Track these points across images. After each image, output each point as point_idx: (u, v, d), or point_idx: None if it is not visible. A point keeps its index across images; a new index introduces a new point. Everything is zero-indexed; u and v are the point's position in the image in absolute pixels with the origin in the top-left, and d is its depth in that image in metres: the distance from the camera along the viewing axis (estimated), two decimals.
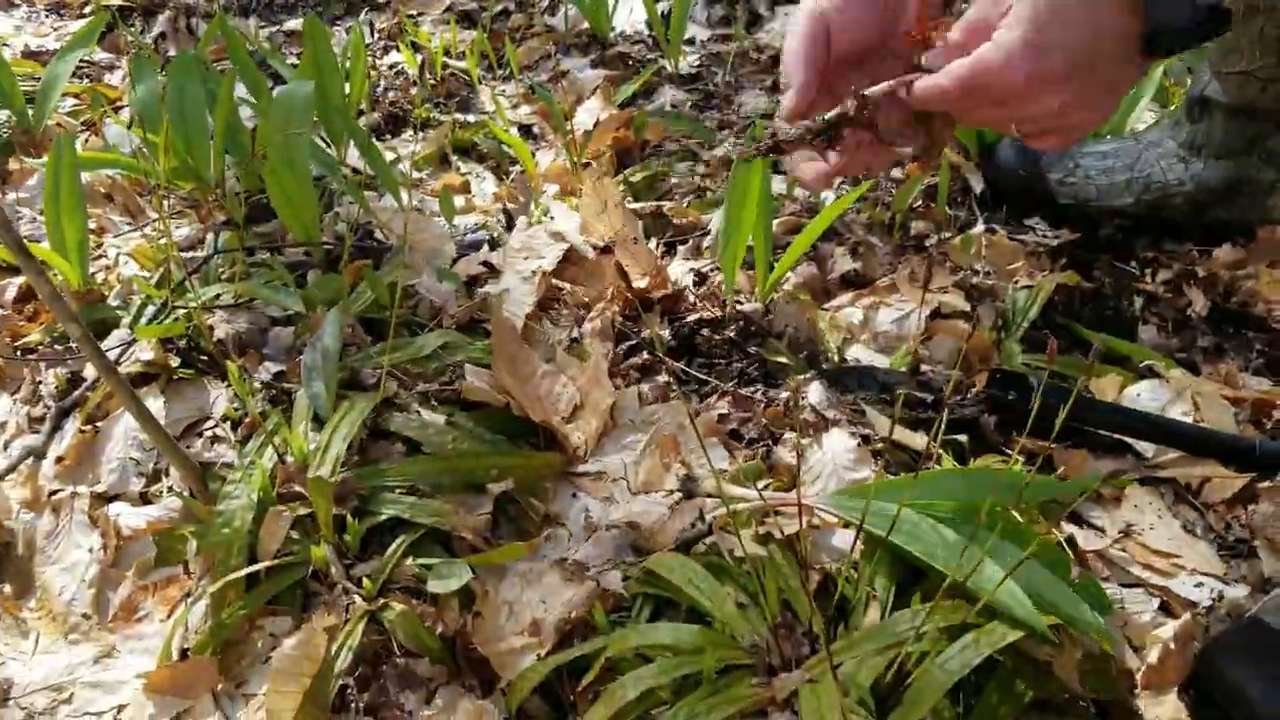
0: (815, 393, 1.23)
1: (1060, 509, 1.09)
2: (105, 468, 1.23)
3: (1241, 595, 1.01)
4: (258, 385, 1.26)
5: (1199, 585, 1.03)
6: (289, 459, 1.14)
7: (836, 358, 1.35)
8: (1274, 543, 1.07)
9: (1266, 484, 1.14)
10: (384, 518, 1.11)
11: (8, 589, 1.14)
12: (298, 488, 1.12)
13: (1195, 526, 1.12)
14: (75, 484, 1.21)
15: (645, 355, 1.35)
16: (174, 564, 1.15)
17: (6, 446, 1.29)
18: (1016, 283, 1.52)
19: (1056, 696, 0.88)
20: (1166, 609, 1.02)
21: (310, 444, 1.15)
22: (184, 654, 1.05)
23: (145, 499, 1.20)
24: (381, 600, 1.04)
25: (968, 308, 1.45)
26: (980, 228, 1.67)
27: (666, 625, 0.99)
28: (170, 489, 1.20)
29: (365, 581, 1.04)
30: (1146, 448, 1.20)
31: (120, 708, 1.04)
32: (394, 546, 1.08)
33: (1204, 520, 1.13)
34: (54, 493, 1.20)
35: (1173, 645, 0.93)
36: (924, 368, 1.36)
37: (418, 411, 1.23)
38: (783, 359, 1.34)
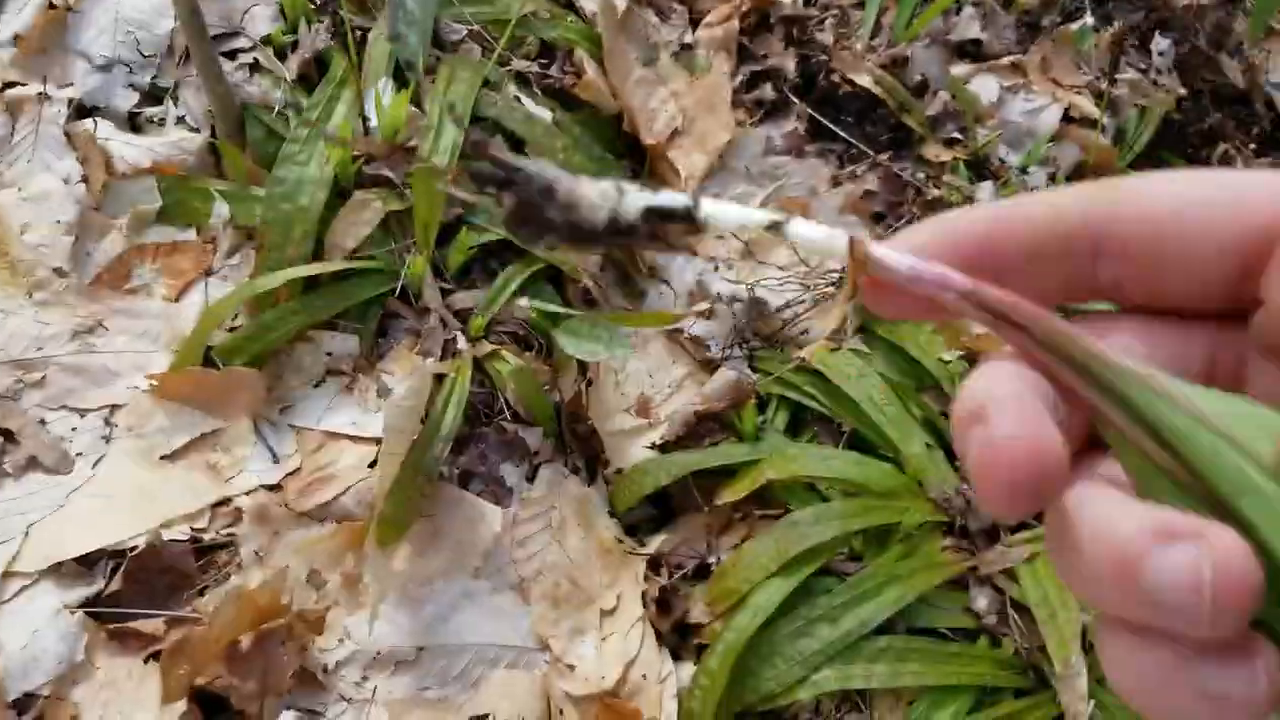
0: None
1: None
2: (78, 65, 0.89)
3: None
4: (311, 6, 0.93)
5: None
6: (374, 125, 0.85)
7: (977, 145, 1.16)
8: None
9: None
10: (491, 238, 0.86)
11: None
12: (386, 171, 0.84)
13: None
14: (41, 78, 0.87)
15: (770, 89, 1.11)
16: (183, 225, 0.86)
17: None
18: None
19: None
20: None
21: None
22: (207, 355, 0.80)
23: (134, 126, 0.89)
24: (490, 346, 0.81)
25: (1096, 114, 1.29)
26: (1090, 20, 1.49)
27: (844, 454, 0.83)
28: (181, 119, 0.88)
29: (475, 319, 0.81)
30: None
31: (113, 408, 0.79)
32: (502, 278, 0.85)
33: None
34: (10, 85, 0.86)
35: None
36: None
37: (518, 99, 0.95)
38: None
